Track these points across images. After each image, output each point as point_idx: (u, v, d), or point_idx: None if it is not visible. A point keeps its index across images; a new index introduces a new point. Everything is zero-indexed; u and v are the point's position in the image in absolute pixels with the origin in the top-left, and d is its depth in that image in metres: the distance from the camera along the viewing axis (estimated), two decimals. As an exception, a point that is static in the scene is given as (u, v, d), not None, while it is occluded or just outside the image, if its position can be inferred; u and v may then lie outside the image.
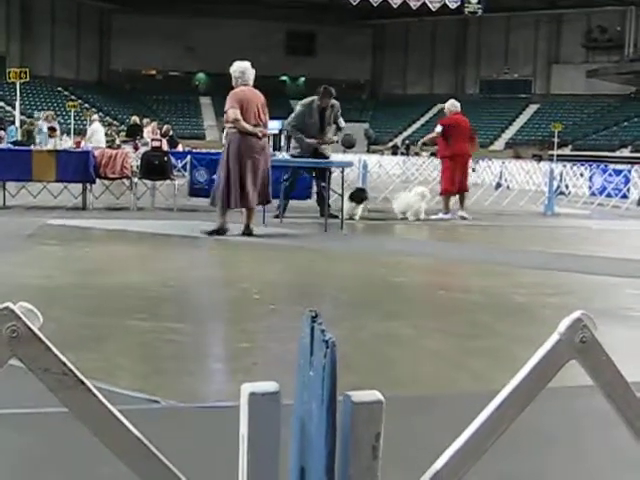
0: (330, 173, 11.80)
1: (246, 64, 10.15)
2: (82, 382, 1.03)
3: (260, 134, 9.70)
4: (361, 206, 12.34)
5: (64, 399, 1.03)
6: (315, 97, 12.31)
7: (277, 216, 11.71)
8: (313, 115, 12.23)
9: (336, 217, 11.37)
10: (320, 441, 1.06)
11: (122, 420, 1.05)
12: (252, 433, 1.07)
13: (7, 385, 2.90)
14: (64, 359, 1.04)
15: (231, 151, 9.71)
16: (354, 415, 1.07)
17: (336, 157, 15.51)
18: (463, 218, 13.32)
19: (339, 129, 12.53)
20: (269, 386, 1.10)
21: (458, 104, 13.85)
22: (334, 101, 12.40)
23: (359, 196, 12.23)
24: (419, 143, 15.74)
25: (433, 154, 16.55)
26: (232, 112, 9.67)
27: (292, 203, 12.36)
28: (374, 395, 1.10)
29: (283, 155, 13.47)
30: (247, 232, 9.83)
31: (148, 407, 3.35)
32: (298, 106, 12.53)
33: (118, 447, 1.04)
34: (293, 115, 12.51)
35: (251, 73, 10.02)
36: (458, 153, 13.63)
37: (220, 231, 9.73)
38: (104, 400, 1.05)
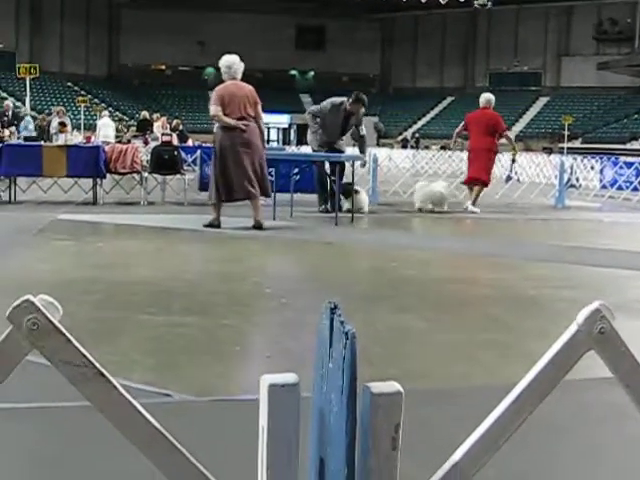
0: (343, 168, 11.79)
1: (232, 58, 10.15)
2: (102, 374, 1.04)
3: (243, 127, 9.63)
4: (350, 199, 12.07)
5: (85, 391, 1.04)
6: (346, 100, 12.16)
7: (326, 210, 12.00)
8: (339, 116, 12.11)
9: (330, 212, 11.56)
10: (340, 432, 1.06)
11: (143, 412, 1.05)
12: (272, 424, 1.07)
13: (26, 379, 2.92)
14: (84, 351, 1.05)
15: (216, 146, 9.85)
16: (373, 406, 1.07)
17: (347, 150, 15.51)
18: (470, 211, 13.28)
19: (361, 136, 12.51)
20: (289, 377, 1.10)
21: (486, 98, 13.80)
22: (362, 110, 12.32)
23: (347, 190, 12.03)
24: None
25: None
26: (211, 109, 9.82)
27: (299, 197, 12.34)
28: (393, 386, 1.10)
29: (293, 149, 13.42)
30: (257, 226, 9.83)
31: (160, 401, 3.35)
32: (328, 102, 12.33)
33: (139, 439, 1.05)
34: (319, 107, 12.48)
35: (238, 67, 10.02)
36: (472, 147, 13.87)
37: (213, 224, 9.79)
38: (125, 392, 1.06)
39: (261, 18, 61.74)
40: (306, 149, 15.19)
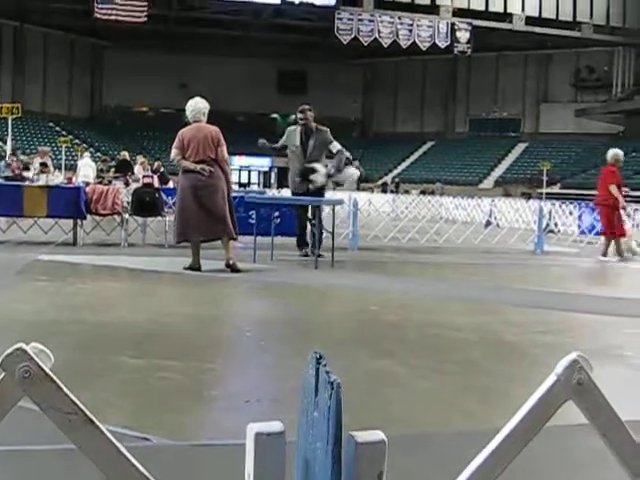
0: (320, 210, 11.72)
1: (194, 101, 10.21)
2: (91, 421, 1.05)
3: (200, 169, 9.66)
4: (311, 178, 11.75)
5: (74, 438, 1.05)
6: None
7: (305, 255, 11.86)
8: (296, 137, 12.01)
9: (321, 256, 11.33)
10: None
11: (132, 460, 1.06)
12: (258, 472, 1.08)
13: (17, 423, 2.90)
14: (74, 399, 1.06)
15: (178, 189, 10.07)
16: (358, 455, 1.08)
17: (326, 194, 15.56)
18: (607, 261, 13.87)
19: (335, 153, 11.90)
20: (274, 426, 1.11)
21: (611, 154, 14.38)
22: (324, 127, 12.10)
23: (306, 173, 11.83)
24: None
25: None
26: (172, 153, 9.98)
27: (280, 240, 12.28)
28: (377, 435, 1.12)
29: (273, 193, 13.34)
30: (228, 266, 9.81)
31: (139, 445, 3.33)
32: (285, 134, 12.37)
33: (127, 486, 1.06)
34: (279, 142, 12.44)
35: (200, 109, 10.01)
36: (596, 202, 15.02)
37: (193, 267, 9.77)
38: (114, 440, 1.07)
39: (244, 61, 62.28)
40: (287, 192, 15.25)
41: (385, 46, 53.82)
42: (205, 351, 5.49)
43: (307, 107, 11.98)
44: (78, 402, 1.06)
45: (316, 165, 11.64)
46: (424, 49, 54.27)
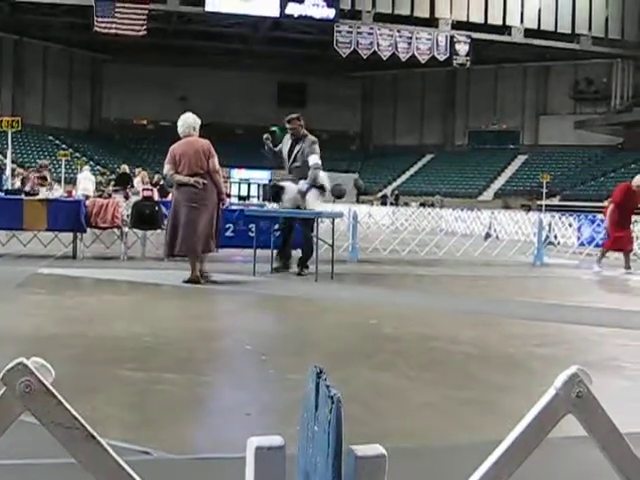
0: (314, 222, 11.65)
1: (185, 116, 10.40)
2: (92, 436, 1.05)
3: (194, 182, 9.82)
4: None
5: (75, 452, 1.05)
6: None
7: (276, 269, 11.63)
8: (284, 146, 11.96)
9: (301, 274, 11.33)
10: (325, 494, 1.07)
11: (132, 474, 1.07)
12: (258, 487, 1.09)
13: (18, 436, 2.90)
14: (75, 414, 1.06)
15: (172, 203, 10.23)
16: (358, 469, 1.08)
17: (326, 207, 15.56)
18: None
19: (308, 167, 11.48)
20: (275, 440, 1.12)
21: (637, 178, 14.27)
22: (311, 136, 11.86)
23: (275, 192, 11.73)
24: None
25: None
26: (165, 169, 10.26)
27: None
28: (377, 449, 1.12)
29: (273, 206, 13.17)
30: (203, 277, 9.99)
31: (139, 458, 3.33)
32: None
33: (128, 501, 1.06)
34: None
35: (190, 124, 10.20)
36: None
37: (192, 280, 9.84)
38: (114, 454, 1.07)
39: (243, 74, 62.48)
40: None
41: (384, 59, 53.98)
42: (205, 364, 5.49)
43: (294, 116, 11.91)
44: (79, 417, 1.06)
45: (285, 184, 11.59)
46: (423, 62, 54.43)
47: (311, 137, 11.86)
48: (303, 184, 11.40)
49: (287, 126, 11.90)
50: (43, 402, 1.04)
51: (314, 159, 11.58)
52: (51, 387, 1.06)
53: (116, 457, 1.07)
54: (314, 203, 11.35)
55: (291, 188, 11.40)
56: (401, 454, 3.55)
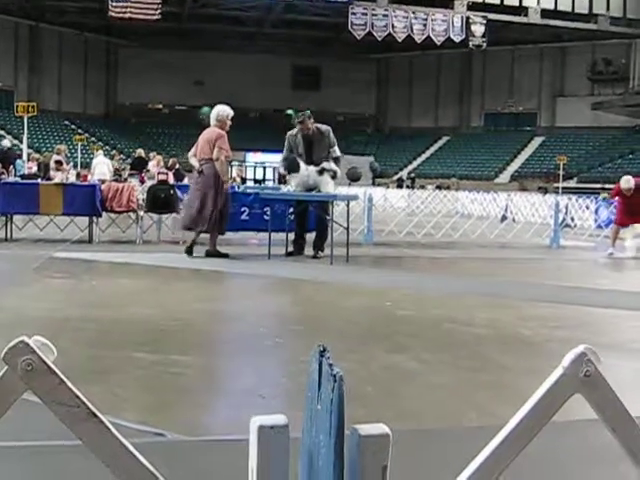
0: (330, 205, 11.60)
1: (215, 108, 11.41)
2: (94, 415, 1.05)
3: (199, 169, 10.95)
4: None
5: (77, 431, 1.05)
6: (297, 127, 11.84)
7: (291, 253, 11.58)
8: (298, 144, 11.73)
9: (316, 256, 11.36)
10: (328, 473, 1.07)
11: (135, 454, 1.06)
12: (261, 466, 1.08)
13: (22, 417, 2.92)
14: (77, 392, 1.06)
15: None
16: (361, 448, 1.08)
17: (342, 190, 15.53)
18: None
19: (335, 159, 11.63)
20: (278, 419, 1.11)
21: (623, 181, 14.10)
22: (324, 127, 11.81)
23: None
24: None
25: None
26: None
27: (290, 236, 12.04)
28: (381, 428, 1.11)
29: (288, 189, 13.08)
30: (207, 253, 10.98)
31: (153, 440, 3.34)
32: (286, 140, 12.03)
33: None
34: (284, 150, 12.05)
35: (214, 115, 11.19)
36: None
37: (215, 254, 10.92)
38: (116, 433, 1.07)
39: (258, 58, 62.29)
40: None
41: (399, 41, 53.70)
42: (220, 347, 5.51)
43: (307, 115, 11.72)
44: (81, 395, 1.06)
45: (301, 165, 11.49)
46: (439, 43, 54.12)
47: (324, 126, 11.80)
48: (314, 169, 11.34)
49: (298, 126, 11.74)
50: (45, 381, 1.04)
51: (338, 151, 11.76)
52: (53, 366, 1.06)
53: (118, 435, 1.07)
54: (327, 185, 11.28)
55: (302, 170, 11.34)
56: (415, 436, 3.56)
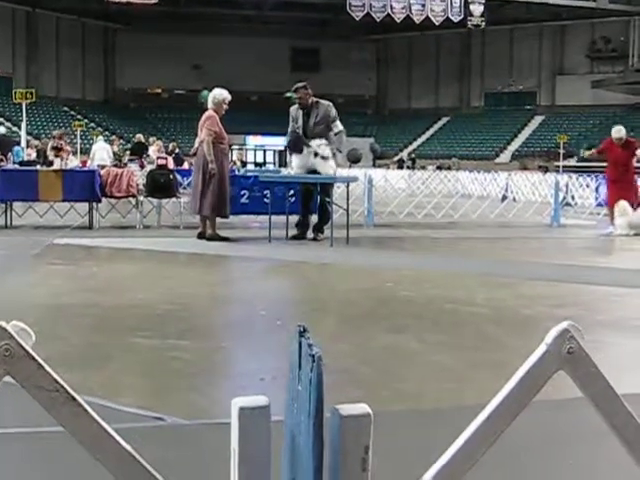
0: (331, 187, 11.54)
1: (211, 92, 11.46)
2: (73, 398, 1.05)
3: (194, 151, 11.42)
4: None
5: (57, 415, 1.05)
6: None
7: (293, 237, 11.51)
8: (299, 118, 11.58)
9: (316, 239, 11.39)
10: (308, 454, 1.07)
11: (115, 436, 1.06)
12: (243, 447, 1.08)
13: (7, 403, 2.92)
14: (56, 376, 1.06)
15: None
16: (343, 428, 1.08)
17: (342, 172, 15.50)
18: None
19: (335, 133, 11.41)
20: (259, 400, 1.11)
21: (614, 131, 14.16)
22: (325, 101, 11.66)
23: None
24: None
25: None
26: None
27: (295, 218, 12.01)
28: (362, 408, 1.11)
29: (288, 171, 13.00)
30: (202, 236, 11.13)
31: (153, 424, 3.35)
32: (290, 114, 11.84)
33: (111, 462, 1.06)
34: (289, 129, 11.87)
35: (210, 99, 11.23)
36: None
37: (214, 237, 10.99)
38: (96, 416, 1.07)
39: (256, 41, 62.04)
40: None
41: (398, 21, 53.46)
42: (220, 331, 5.52)
43: (301, 85, 11.56)
44: (60, 380, 1.06)
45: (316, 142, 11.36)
46: (437, 24, 53.88)
47: (324, 101, 11.66)
48: (319, 146, 11.21)
49: (294, 96, 11.68)
50: (23, 366, 1.04)
51: (340, 125, 11.53)
52: (31, 351, 1.06)
53: (98, 419, 1.07)
54: (324, 167, 11.12)
55: (304, 152, 11.26)
56: (414, 416, 3.57)
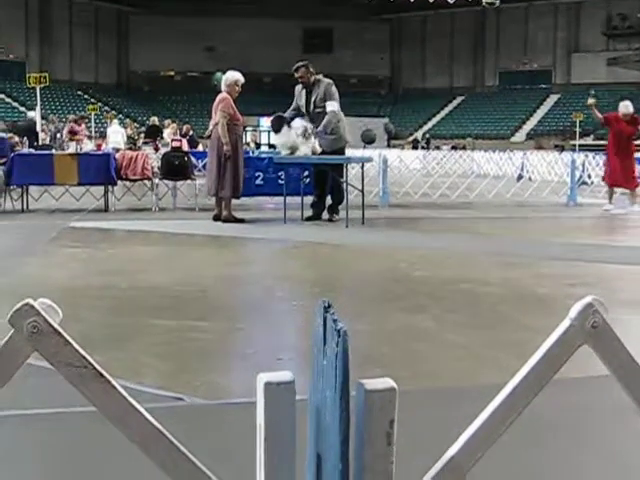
0: (344, 167, 11.46)
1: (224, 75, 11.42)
2: (101, 374, 1.06)
3: (209, 134, 11.31)
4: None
5: (85, 392, 1.06)
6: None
7: (308, 218, 11.52)
8: (301, 98, 11.50)
9: (332, 220, 11.44)
10: (334, 428, 1.08)
11: (142, 412, 1.08)
12: (268, 422, 1.09)
13: (35, 385, 2.95)
14: (84, 353, 1.07)
15: None
16: (368, 402, 1.08)
17: (356, 153, 15.47)
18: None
19: (329, 113, 11.14)
20: (284, 376, 1.12)
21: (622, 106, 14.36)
22: (325, 79, 11.45)
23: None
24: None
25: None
26: None
27: (310, 199, 12.01)
28: (387, 383, 1.12)
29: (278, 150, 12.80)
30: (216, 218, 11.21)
31: (173, 404, 3.38)
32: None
33: (138, 438, 1.07)
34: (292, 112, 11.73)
35: (223, 81, 11.25)
36: None
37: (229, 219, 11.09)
38: (124, 392, 1.08)
39: (268, 22, 61.90)
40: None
41: (411, 0, 53.12)
42: (237, 311, 5.53)
43: (301, 64, 11.47)
44: (87, 356, 1.07)
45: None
46: (451, 2, 53.56)
47: (325, 80, 11.45)
48: (310, 127, 11.00)
49: (295, 75, 11.53)
50: (51, 342, 1.05)
51: (332, 105, 11.22)
52: (58, 327, 1.07)
53: (126, 395, 1.08)
54: (302, 146, 10.92)
55: (283, 130, 11.08)
56: (433, 395, 3.57)
